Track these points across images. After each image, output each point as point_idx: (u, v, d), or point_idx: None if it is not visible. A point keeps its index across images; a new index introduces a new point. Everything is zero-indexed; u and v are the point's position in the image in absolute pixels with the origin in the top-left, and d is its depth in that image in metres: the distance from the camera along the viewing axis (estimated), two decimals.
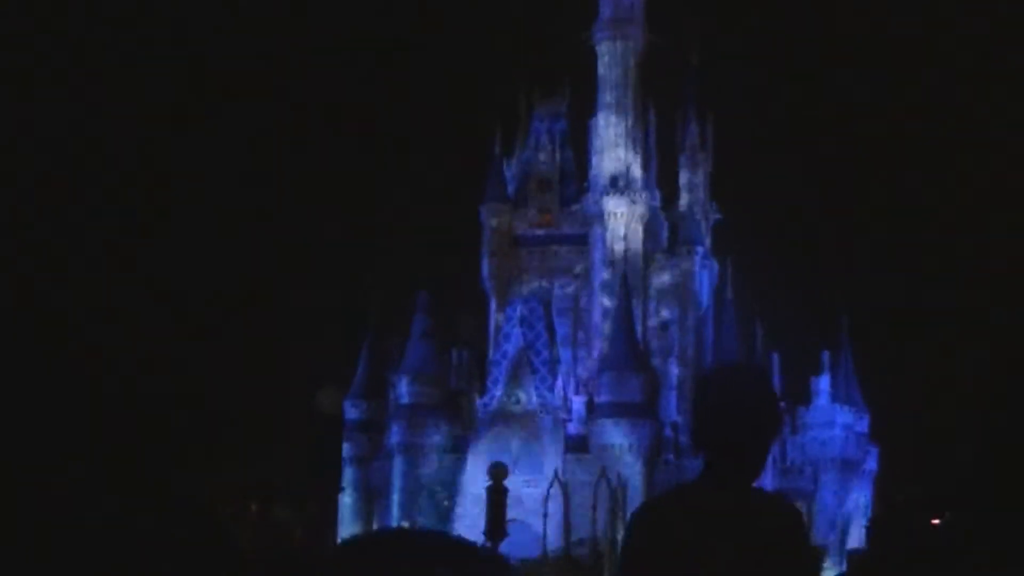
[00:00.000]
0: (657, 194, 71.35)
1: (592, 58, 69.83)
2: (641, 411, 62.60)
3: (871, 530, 66.34)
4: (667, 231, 71.98)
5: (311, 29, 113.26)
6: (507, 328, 66.85)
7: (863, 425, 70.36)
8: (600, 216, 67.68)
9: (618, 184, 67.77)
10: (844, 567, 66.79)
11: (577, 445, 63.16)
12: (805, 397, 68.91)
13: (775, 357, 70.79)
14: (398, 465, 64.26)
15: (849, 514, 67.87)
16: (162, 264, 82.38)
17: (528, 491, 61.32)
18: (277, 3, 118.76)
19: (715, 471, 4.42)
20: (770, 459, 65.15)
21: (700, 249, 72.13)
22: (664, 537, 4.33)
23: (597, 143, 69.51)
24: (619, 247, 67.13)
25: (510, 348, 65.68)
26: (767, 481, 64.56)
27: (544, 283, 69.53)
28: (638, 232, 67.98)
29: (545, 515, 61.18)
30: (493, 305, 70.40)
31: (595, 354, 65.82)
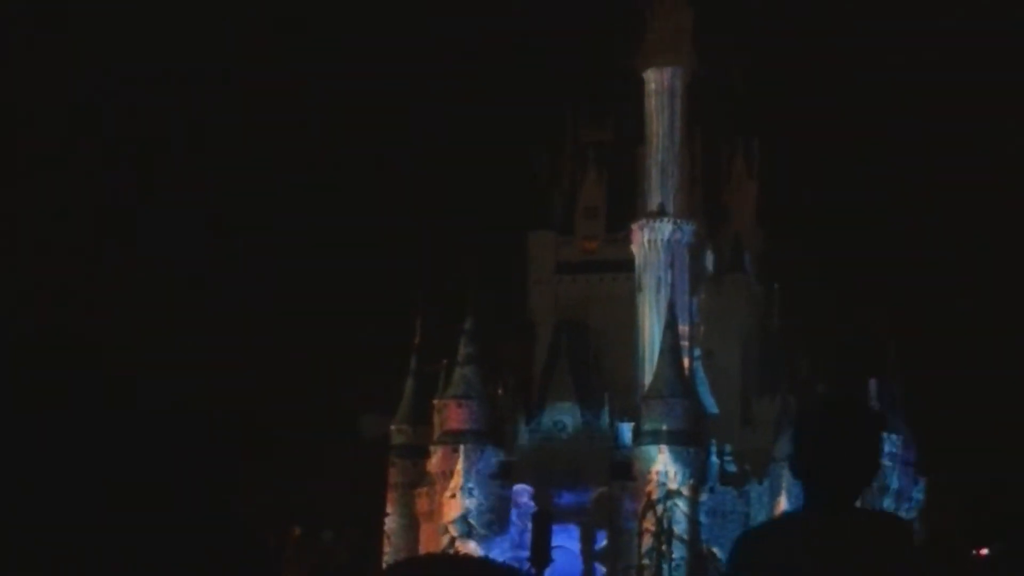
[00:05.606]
0: (703, 221, 71.21)
1: (640, 85, 69.87)
2: (686, 438, 62.42)
3: None
4: (713, 258, 71.92)
5: (356, 55, 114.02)
6: (553, 354, 66.91)
7: (910, 455, 69.73)
8: (646, 243, 67.59)
9: (664, 211, 67.69)
10: None
11: (622, 471, 63.00)
12: None
13: (820, 385, 70.38)
14: (442, 490, 64.29)
15: None
16: (202, 291, 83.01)
17: (573, 517, 61.26)
18: (328, 31, 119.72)
19: (817, 498, 4.54)
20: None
21: (746, 276, 72.02)
22: (777, 566, 4.40)
23: (643, 170, 69.49)
24: (665, 274, 67.00)
25: (556, 374, 65.74)
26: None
27: (590, 309, 69.54)
28: (684, 259, 67.80)
29: (591, 541, 61.14)
30: (539, 331, 70.46)
31: (641, 380, 65.68)
